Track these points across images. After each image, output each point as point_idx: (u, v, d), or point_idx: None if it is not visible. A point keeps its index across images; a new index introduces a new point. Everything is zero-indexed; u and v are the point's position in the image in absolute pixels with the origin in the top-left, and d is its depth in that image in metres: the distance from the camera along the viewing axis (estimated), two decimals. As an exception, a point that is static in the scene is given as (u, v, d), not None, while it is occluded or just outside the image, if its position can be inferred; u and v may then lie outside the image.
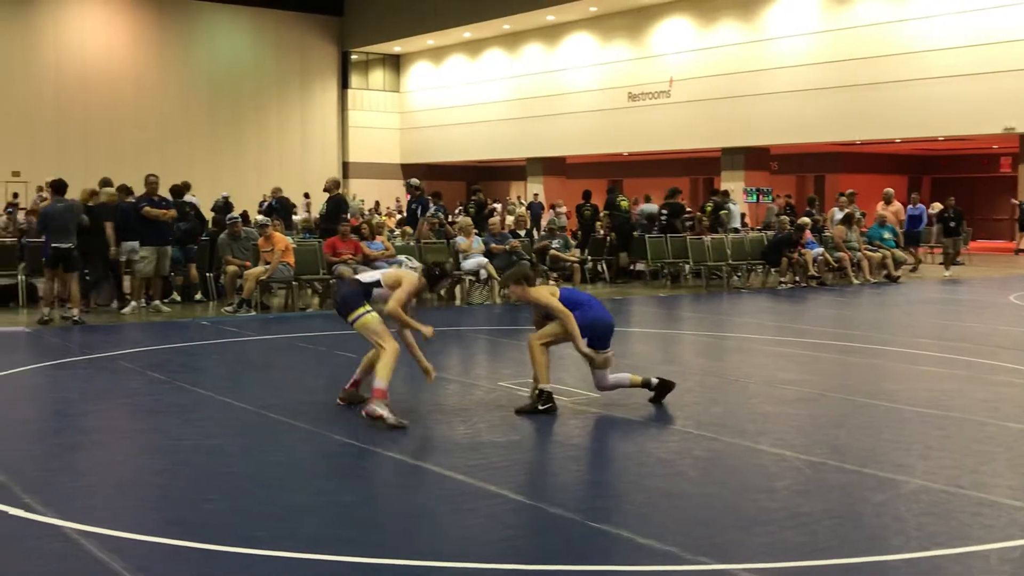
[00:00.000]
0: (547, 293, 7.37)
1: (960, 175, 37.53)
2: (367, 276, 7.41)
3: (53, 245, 12.23)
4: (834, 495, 5.22)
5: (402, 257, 14.56)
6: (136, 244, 13.47)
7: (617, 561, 4.25)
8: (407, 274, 7.20)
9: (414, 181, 18.28)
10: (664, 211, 19.67)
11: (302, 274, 14.02)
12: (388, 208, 32.52)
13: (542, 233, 19.09)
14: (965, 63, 26.16)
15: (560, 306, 7.15)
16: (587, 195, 20.68)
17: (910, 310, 14.88)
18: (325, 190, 16.05)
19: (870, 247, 19.37)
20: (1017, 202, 26.05)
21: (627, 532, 4.59)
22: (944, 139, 29.63)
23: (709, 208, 21.30)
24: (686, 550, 4.34)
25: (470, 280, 15.07)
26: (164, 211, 13.51)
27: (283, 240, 13.91)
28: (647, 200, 23.16)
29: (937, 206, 22.97)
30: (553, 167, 38.48)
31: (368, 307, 7.03)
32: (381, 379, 6.80)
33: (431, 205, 17.40)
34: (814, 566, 4.17)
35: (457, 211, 25.64)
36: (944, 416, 7.12)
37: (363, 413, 6.80)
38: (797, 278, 18.11)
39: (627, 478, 5.60)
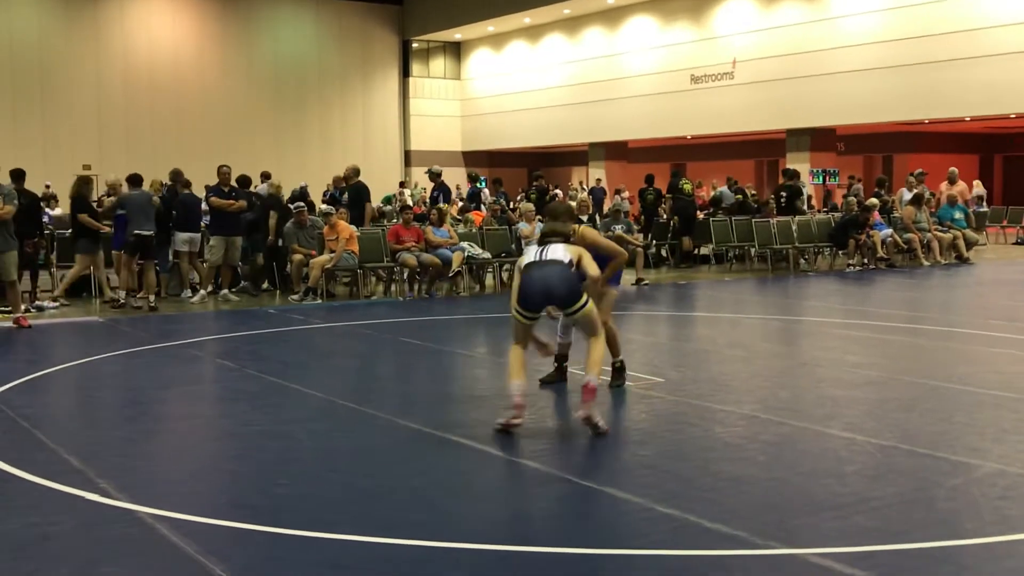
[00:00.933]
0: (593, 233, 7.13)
1: (1033, 153, 36.56)
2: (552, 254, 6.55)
3: (135, 232, 12.54)
4: (905, 479, 5.14)
5: (465, 244, 14.62)
6: (195, 236, 13.73)
7: (685, 545, 4.23)
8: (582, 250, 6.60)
9: (435, 168, 18.17)
10: (783, 192, 19.85)
11: (366, 262, 14.14)
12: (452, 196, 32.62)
13: (605, 218, 19.00)
14: (1036, 38, 25.47)
15: (613, 244, 7.20)
16: (650, 179, 20.53)
17: (981, 291, 14.56)
18: (344, 178, 16.19)
19: (940, 228, 18.98)
20: None
21: (694, 516, 4.56)
22: (1015, 116, 28.86)
23: (785, 194, 21.05)
24: (755, 534, 4.30)
25: (533, 266, 15.06)
26: (232, 202, 13.73)
27: (347, 228, 14.03)
28: (732, 183, 22.91)
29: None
30: (615, 152, 38.26)
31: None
32: (597, 375, 6.23)
33: (452, 192, 17.41)
34: (886, 551, 4.11)
35: (519, 197, 25.63)
36: (1019, 399, 6.96)
37: (581, 416, 6.10)
38: (866, 260, 17.81)
39: (694, 463, 5.56)
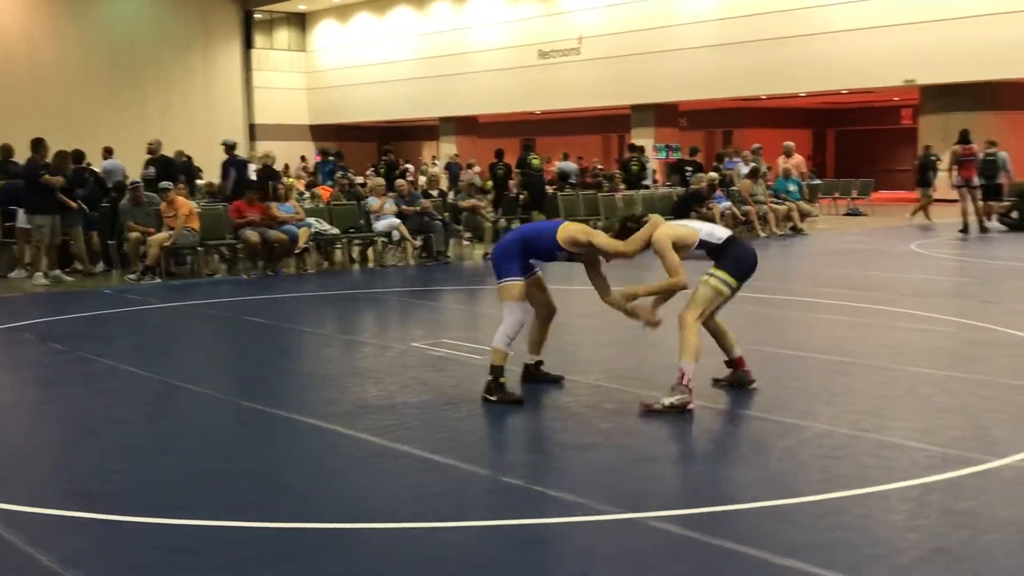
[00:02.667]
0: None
1: (863, 128, 38.37)
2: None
3: None
4: (741, 442, 5.33)
5: (311, 220, 14.38)
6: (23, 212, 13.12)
7: (530, 514, 4.28)
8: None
9: (229, 140, 17.41)
10: (689, 167, 20.73)
11: (208, 239, 13.74)
12: (297, 170, 32.01)
13: (458, 192, 19.00)
14: (866, 16, 26.67)
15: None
16: (499, 154, 20.62)
17: (814, 261, 15.21)
18: (150, 151, 15.97)
19: (776, 200, 19.72)
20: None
21: (539, 486, 4.62)
22: (847, 92, 30.22)
23: (636, 168, 21.49)
24: (598, 501, 4.39)
25: (382, 242, 14.95)
26: (55, 178, 13.06)
27: (186, 204, 13.59)
28: (565, 158, 23.25)
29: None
30: (465, 126, 38.28)
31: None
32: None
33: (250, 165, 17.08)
34: (721, 511, 4.26)
35: (369, 171, 25.37)
36: (848, 363, 7.31)
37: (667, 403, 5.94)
38: (707, 232, 18.34)
39: (540, 432, 5.63)
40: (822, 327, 9.03)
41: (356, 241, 15.18)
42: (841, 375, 6.89)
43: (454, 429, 5.71)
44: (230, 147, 16.70)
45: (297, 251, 13.91)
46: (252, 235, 13.38)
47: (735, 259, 6.23)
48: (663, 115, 32.55)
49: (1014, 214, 19.51)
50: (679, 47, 30.44)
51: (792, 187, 20.25)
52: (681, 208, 18.41)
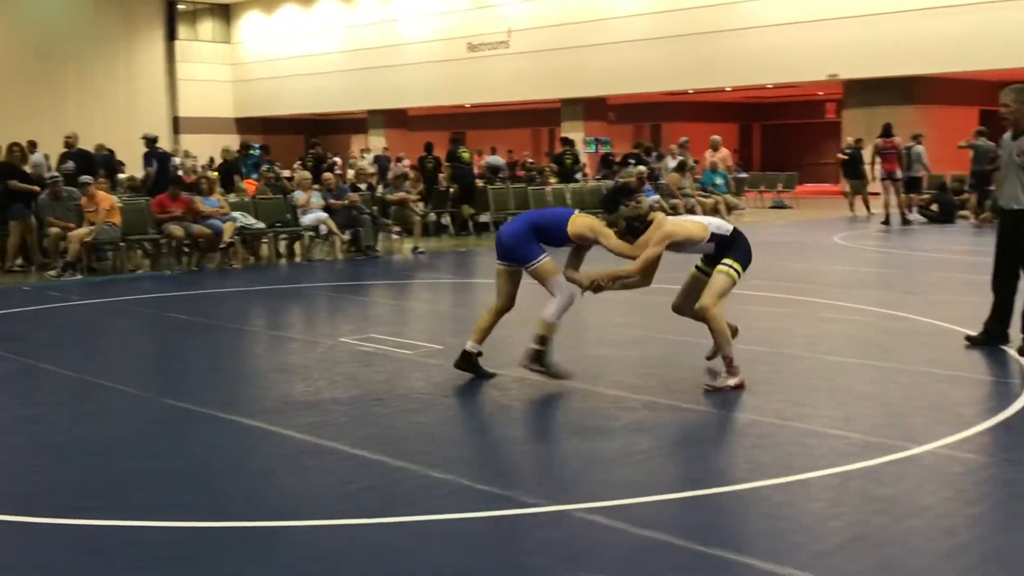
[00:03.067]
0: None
1: (788, 122, 38.96)
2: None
3: None
4: (667, 432, 5.37)
5: (236, 214, 14.17)
6: None
7: (459, 509, 4.27)
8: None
9: (150, 134, 17.13)
10: (631, 160, 20.97)
11: (130, 234, 13.46)
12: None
13: (387, 186, 18.87)
14: (791, 12, 27.09)
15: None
16: (429, 147, 20.53)
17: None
18: (67, 144, 15.72)
19: (703, 193, 19.94)
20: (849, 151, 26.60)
21: (468, 480, 4.61)
22: (772, 87, 30.67)
23: (569, 161, 21.54)
24: (526, 493, 4.39)
25: (310, 236, 14.80)
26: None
27: (107, 199, 13.30)
28: (493, 152, 23.26)
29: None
30: (395, 119, 38.06)
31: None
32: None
33: (173, 159, 16.83)
34: (646, 502, 4.28)
35: (296, 165, 25.08)
36: (772, 352, 7.42)
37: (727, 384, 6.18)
38: (635, 225, 18.48)
39: (470, 427, 5.62)
40: (748, 318, 9.11)
41: (283, 236, 14.99)
42: (765, 365, 6.98)
43: (382, 425, 5.66)
44: (151, 140, 16.38)
45: (222, 246, 13.69)
46: (175, 230, 13.14)
47: (745, 250, 6.44)
48: (592, 109, 32.71)
49: (934, 206, 19.99)
50: (607, 41, 30.61)
51: (719, 180, 20.51)
52: (610, 202, 18.53)
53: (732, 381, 6.19)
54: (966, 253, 14.19)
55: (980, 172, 19.17)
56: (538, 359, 6.40)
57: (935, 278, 11.88)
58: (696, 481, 4.56)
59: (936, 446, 5.00)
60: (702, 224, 6.43)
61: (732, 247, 6.38)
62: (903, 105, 25.90)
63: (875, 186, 20.28)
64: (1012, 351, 7.14)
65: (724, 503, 4.32)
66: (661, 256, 6.25)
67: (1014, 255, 7.25)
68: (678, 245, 6.31)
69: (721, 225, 6.51)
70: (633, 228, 6.34)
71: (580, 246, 6.55)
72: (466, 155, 19.56)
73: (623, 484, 4.53)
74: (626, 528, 3.99)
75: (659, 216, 6.41)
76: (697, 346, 7.69)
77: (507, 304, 6.78)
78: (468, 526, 4.11)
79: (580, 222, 6.42)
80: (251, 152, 22.52)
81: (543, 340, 6.40)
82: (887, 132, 19.53)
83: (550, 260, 6.46)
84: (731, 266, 6.31)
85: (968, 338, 7.42)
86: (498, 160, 22.47)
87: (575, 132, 30.47)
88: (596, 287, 6.38)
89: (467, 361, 6.69)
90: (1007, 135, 7.41)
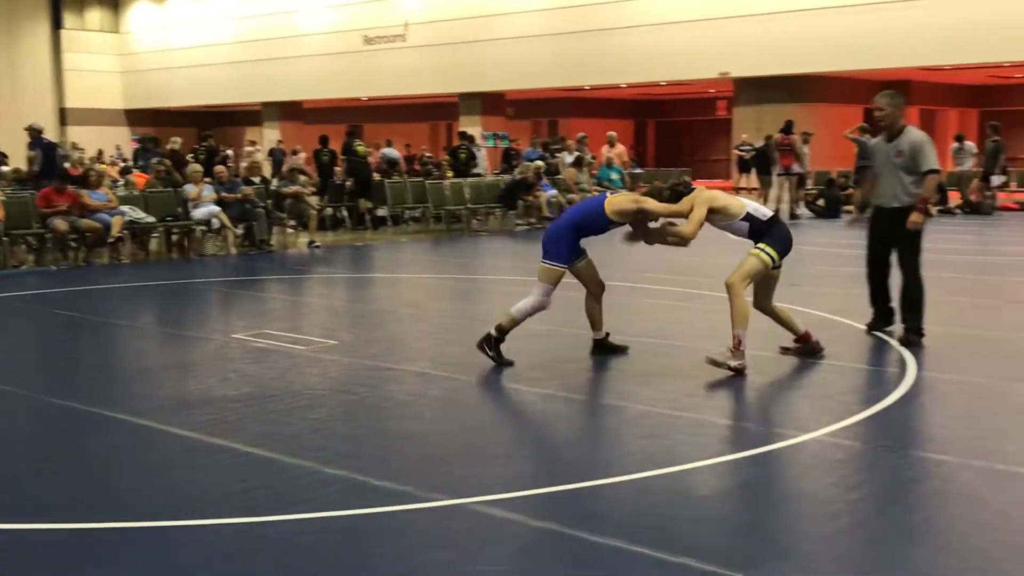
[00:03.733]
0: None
1: (681, 119, 39.65)
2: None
3: None
4: (564, 424, 5.43)
5: (126, 208, 13.80)
6: None
7: (353, 505, 4.24)
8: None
9: (36, 125, 16.57)
10: (548, 152, 21.48)
11: (13, 229, 12.98)
12: (111, 156, 30.67)
13: (281, 179, 18.59)
14: (682, 10, 27.54)
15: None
16: (324, 140, 20.30)
17: (637, 248, 15.59)
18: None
19: (599, 188, 20.14)
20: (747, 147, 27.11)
21: (363, 476, 4.58)
22: (665, 84, 31.15)
23: (464, 155, 21.52)
24: (422, 488, 4.39)
25: (202, 230, 14.50)
26: None
27: (-11, 192, 12.81)
28: (388, 144, 23.11)
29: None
30: (289, 112, 37.52)
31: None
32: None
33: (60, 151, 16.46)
34: (542, 493, 4.33)
35: (188, 157, 24.53)
36: (667, 344, 7.55)
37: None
38: (533, 220, 18.60)
39: (365, 422, 5.58)
40: (644, 311, 9.29)
41: (174, 230, 14.66)
42: (660, 357, 7.11)
43: (276, 422, 5.59)
44: (36, 132, 15.82)
45: (110, 240, 13.31)
46: (61, 224, 12.73)
47: (782, 238, 6.61)
48: (490, 104, 32.76)
49: (820, 201, 20.59)
50: (504, 36, 30.70)
51: (614, 176, 20.75)
52: (507, 196, 18.61)
53: (734, 363, 6.33)
54: (850, 247, 14.63)
55: (863, 168, 19.80)
56: (490, 344, 6.72)
57: (820, 271, 12.24)
58: (590, 472, 4.62)
59: (821, 434, 5.16)
60: (741, 201, 6.71)
61: (769, 233, 6.57)
62: (792, 103, 26.58)
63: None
64: (894, 341, 7.40)
65: (618, 492, 4.38)
66: (703, 211, 6.52)
67: (886, 249, 7.68)
68: (715, 213, 6.55)
69: (759, 208, 6.73)
70: (678, 193, 6.68)
71: (638, 224, 6.83)
72: (362, 148, 19.40)
73: (519, 476, 4.57)
74: (522, 520, 4.02)
75: (699, 187, 6.77)
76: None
77: (598, 289, 7.18)
78: (364, 522, 4.09)
79: (617, 200, 6.82)
80: (144, 145, 21.99)
81: (501, 330, 6.74)
82: (786, 129, 20.03)
83: (559, 272, 6.82)
84: (764, 250, 6.51)
85: (868, 326, 7.84)
86: (393, 152, 22.35)
87: (473, 127, 30.48)
88: (660, 238, 6.81)
89: (601, 345, 7.07)
90: (880, 138, 7.75)
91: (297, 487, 4.50)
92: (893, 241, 7.57)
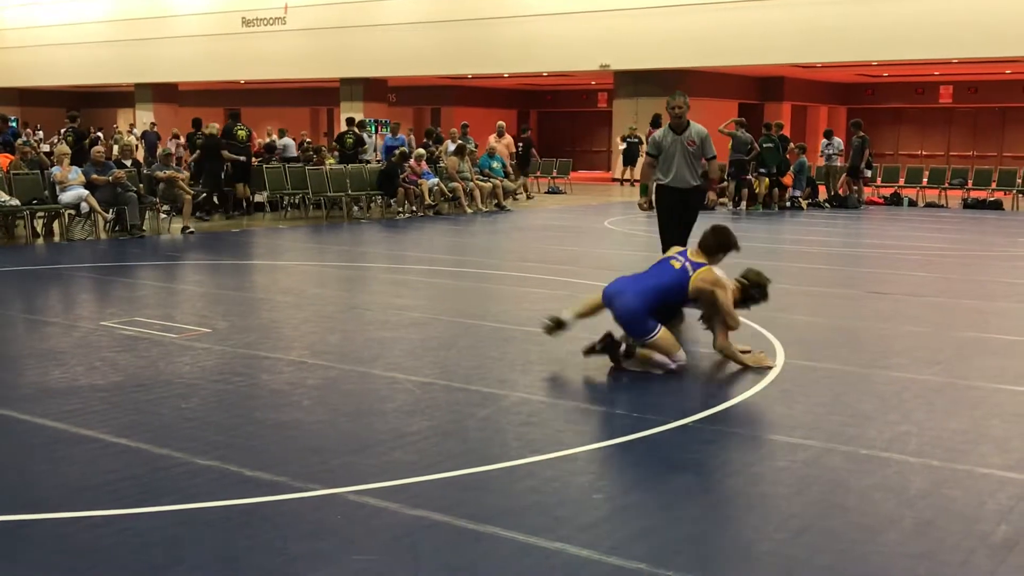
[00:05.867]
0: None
1: (563, 109, 40.01)
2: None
3: None
4: (441, 413, 5.42)
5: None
6: None
7: (224, 496, 4.15)
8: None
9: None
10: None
11: None
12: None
13: (154, 163, 18.07)
14: (564, 1, 27.77)
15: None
16: (197, 123, 19.81)
17: (517, 236, 15.71)
18: None
19: (481, 177, 20.19)
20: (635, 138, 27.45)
21: (235, 466, 4.49)
22: (548, 75, 31.38)
23: (350, 141, 21.23)
24: (296, 478, 4.33)
25: (70, 214, 13.97)
26: None
27: None
28: (282, 134, 22.75)
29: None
30: (164, 94, 36.50)
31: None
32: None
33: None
34: (419, 482, 4.31)
35: (55, 139, 23.62)
36: (543, 333, 7.60)
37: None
38: (414, 208, 18.52)
39: (238, 412, 5.47)
40: (522, 300, 9.34)
41: (40, 213, 14.09)
42: (536, 345, 7.15)
43: (145, 411, 5.43)
44: None
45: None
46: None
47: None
48: (372, 90, 32.48)
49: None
50: (387, 22, 30.45)
51: (496, 164, 20.82)
52: (385, 183, 18.45)
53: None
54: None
55: (738, 161, 20.35)
56: (623, 353, 6.36)
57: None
58: (468, 460, 4.62)
59: (689, 421, 5.27)
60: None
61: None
62: (670, 97, 27.09)
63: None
64: (765, 331, 7.61)
65: (495, 480, 4.40)
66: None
67: (685, 227, 8.82)
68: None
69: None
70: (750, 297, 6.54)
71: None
72: (243, 133, 18.99)
73: (395, 465, 4.54)
74: (398, 509, 4.00)
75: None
76: (475, 328, 7.80)
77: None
78: (235, 513, 4.00)
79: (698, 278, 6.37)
80: (9, 125, 21.04)
81: (630, 353, 6.33)
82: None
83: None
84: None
85: None
86: (288, 143, 22.08)
87: (355, 112, 30.17)
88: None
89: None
90: (665, 131, 9.00)
91: (166, 478, 4.38)
92: (684, 215, 8.86)
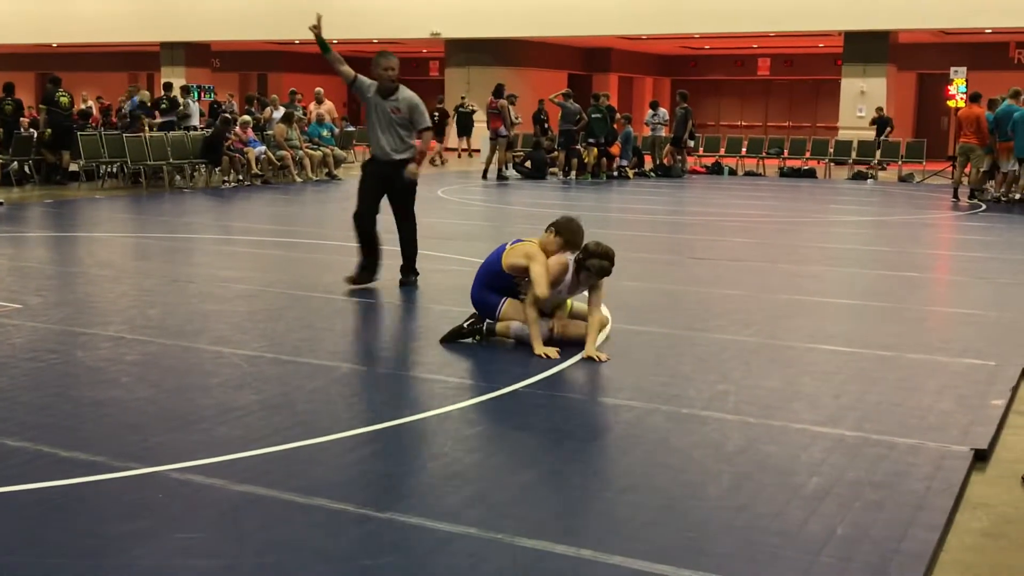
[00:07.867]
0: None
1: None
2: None
3: None
4: (269, 386, 5.31)
5: None
6: None
7: (36, 478, 3.94)
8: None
9: None
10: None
11: None
12: None
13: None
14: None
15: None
16: (9, 88, 18.66)
17: (350, 206, 15.46)
18: None
19: (311, 145, 19.82)
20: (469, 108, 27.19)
21: (48, 447, 4.28)
22: (378, 42, 30.98)
23: (165, 106, 20.40)
24: (115, 457, 4.16)
25: None
26: None
27: None
28: (99, 99, 21.71)
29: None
30: (-33, 57, 34.22)
31: None
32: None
33: None
34: (245, 457, 4.21)
35: None
36: (381, 304, 7.55)
37: None
38: (240, 177, 18.02)
39: (51, 391, 5.21)
40: (348, 269, 9.22)
41: None
42: (376, 316, 7.09)
43: (-52, 393, 5.11)
44: None
45: None
46: None
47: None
48: (194, 55, 31.36)
49: (528, 163, 21.28)
50: (209, -15, 29.41)
51: (325, 132, 20.48)
52: (208, 151, 17.88)
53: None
54: (555, 207, 15.24)
55: (567, 132, 20.65)
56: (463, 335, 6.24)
57: (526, 229, 12.63)
58: (297, 433, 4.54)
59: (521, 386, 5.34)
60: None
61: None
62: (500, 67, 27.20)
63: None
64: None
65: (324, 452, 4.34)
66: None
67: (397, 210, 8.20)
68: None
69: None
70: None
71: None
72: (65, 99, 18.01)
73: (221, 441, 4.42)
74: (224, 485, 3.90)
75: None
76: (304, 299, 7.67)
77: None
78: (49, 495, 3.81)
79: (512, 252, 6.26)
80: None
81: (491, 331, 6.20)
82: (498, 92, 20.45)
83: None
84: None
85: (351, 279, 8.03)
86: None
87: (177, 78, 29.05)
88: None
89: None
90: (374, 94, 8.06)
91: (-29, 463, 4.13)
92: (391, 192, 8.07)
